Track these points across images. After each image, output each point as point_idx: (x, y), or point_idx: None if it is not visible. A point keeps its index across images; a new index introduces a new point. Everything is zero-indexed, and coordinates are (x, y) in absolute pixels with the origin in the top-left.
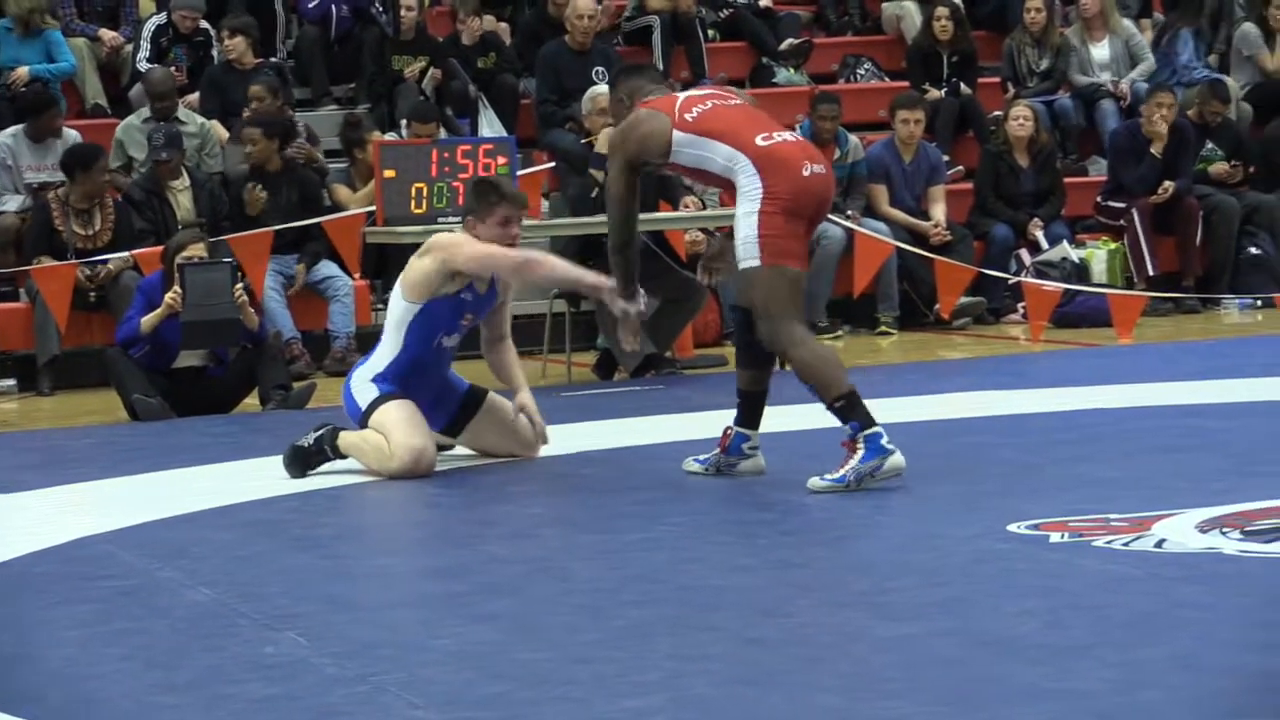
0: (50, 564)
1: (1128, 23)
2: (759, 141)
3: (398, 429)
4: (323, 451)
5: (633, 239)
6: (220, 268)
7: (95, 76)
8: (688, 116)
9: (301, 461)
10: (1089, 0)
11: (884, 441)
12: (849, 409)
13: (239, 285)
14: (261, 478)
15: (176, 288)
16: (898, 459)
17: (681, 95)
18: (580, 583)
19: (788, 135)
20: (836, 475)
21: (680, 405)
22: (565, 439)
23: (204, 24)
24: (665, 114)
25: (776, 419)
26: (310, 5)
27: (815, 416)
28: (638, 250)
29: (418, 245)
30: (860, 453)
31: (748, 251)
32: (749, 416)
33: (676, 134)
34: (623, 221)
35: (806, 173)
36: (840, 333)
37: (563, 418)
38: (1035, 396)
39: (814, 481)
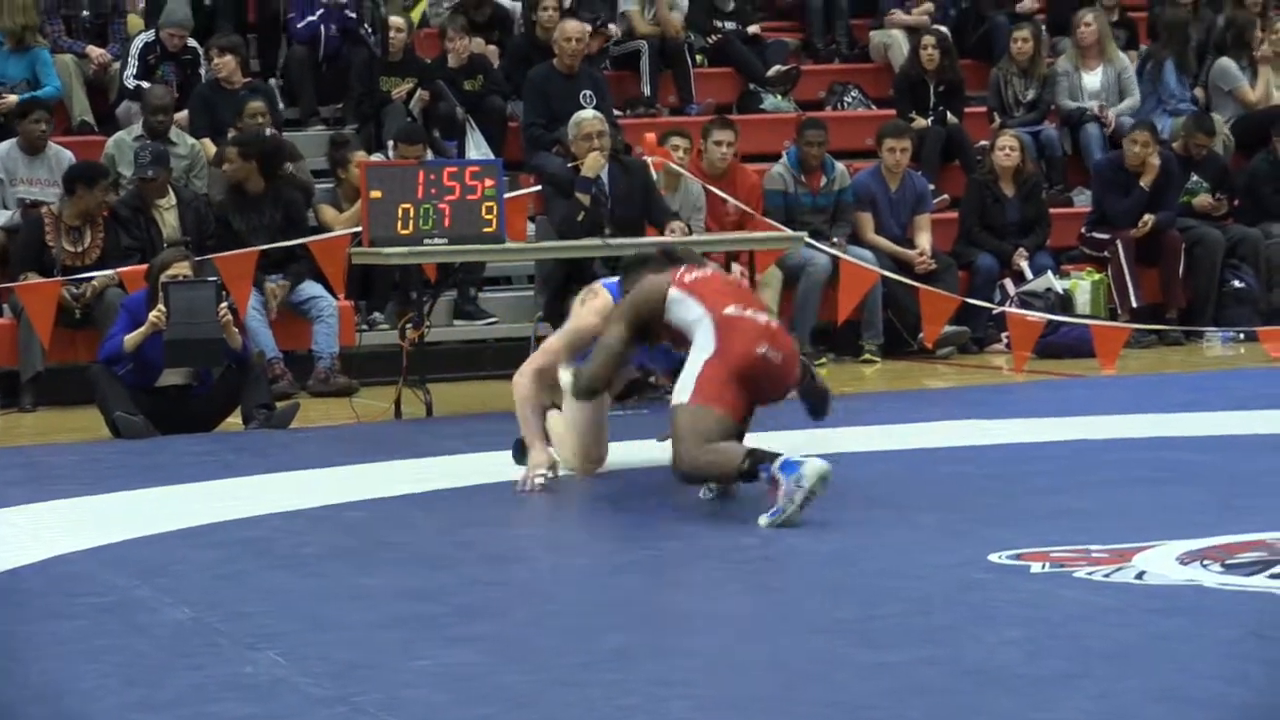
0: (31, 580)
1: (1124, 57)
2: (728, 310)
3: (576, 433)
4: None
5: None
6: (205, 286)
7: (82, 93)
8: (686, 279)
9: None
10: (1088, 29)
11: (793, 458)
12: (754, 465)
13: (223, 304)
14: (243, 497)
15: (161, 306)
16: (813, 464)
17: (684, 267)
18: (562, 606)
19: (760, 316)
20: (774, 509)
21: (663, 430)
22: None
23: (192, 42)
24: (667, 275)
25: (765, 444)
26: (300, 25)
27: (806, 442)
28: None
29: (404, 267)
30: (782, 483)
31: (681, 392)
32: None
33: (672, 290)
34: (603, 366)
35: (760, 350)
36: (824, 360)
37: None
38: (1018, 427)
39: (761, 519)
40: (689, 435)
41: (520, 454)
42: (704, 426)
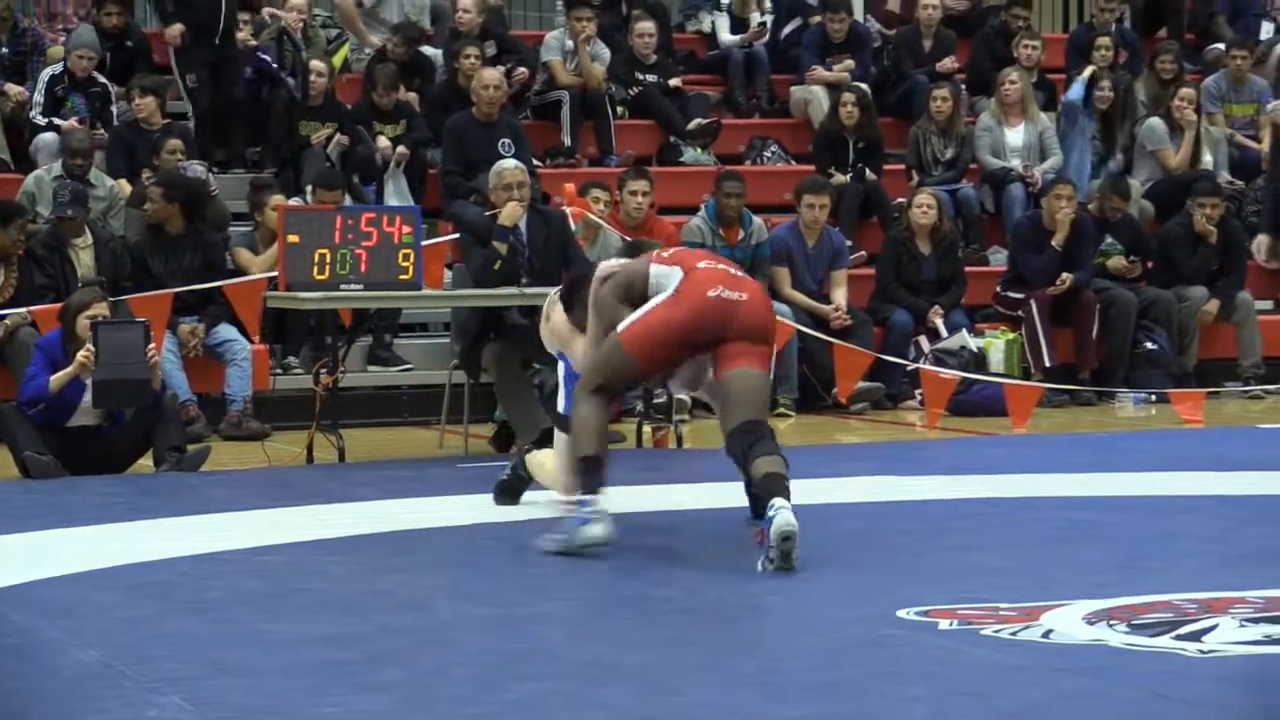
0: None
1: (1045, 117)
2: (699, 265)
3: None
4: (520, 477)
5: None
6: (134, 327)
7: None
8: (665, 254)
9: (508, 491)
10: (1012, 86)
11: (586, 510)
12: (581, 472)
13: (151, 345)
14: (152, 540)
15: (89, 346)
16: (596, 529)
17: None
18: (471, 655)
19: (730, 269)
20: (555, 536)
21: None
22: (461, 511)
23: (100, 77)
24: (645, 258)
25: (683, 497)
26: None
27: (725, 496)
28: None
29: (319, 312)
30: (572, 515)
31: (626, 320)
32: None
33: (652, 267)
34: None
35: (712, 294)
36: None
37: (458, 489)
38: (930, 483)
39: (543, 542)
40: (599, 371)
41: (500, 495)
42: (616, 368)
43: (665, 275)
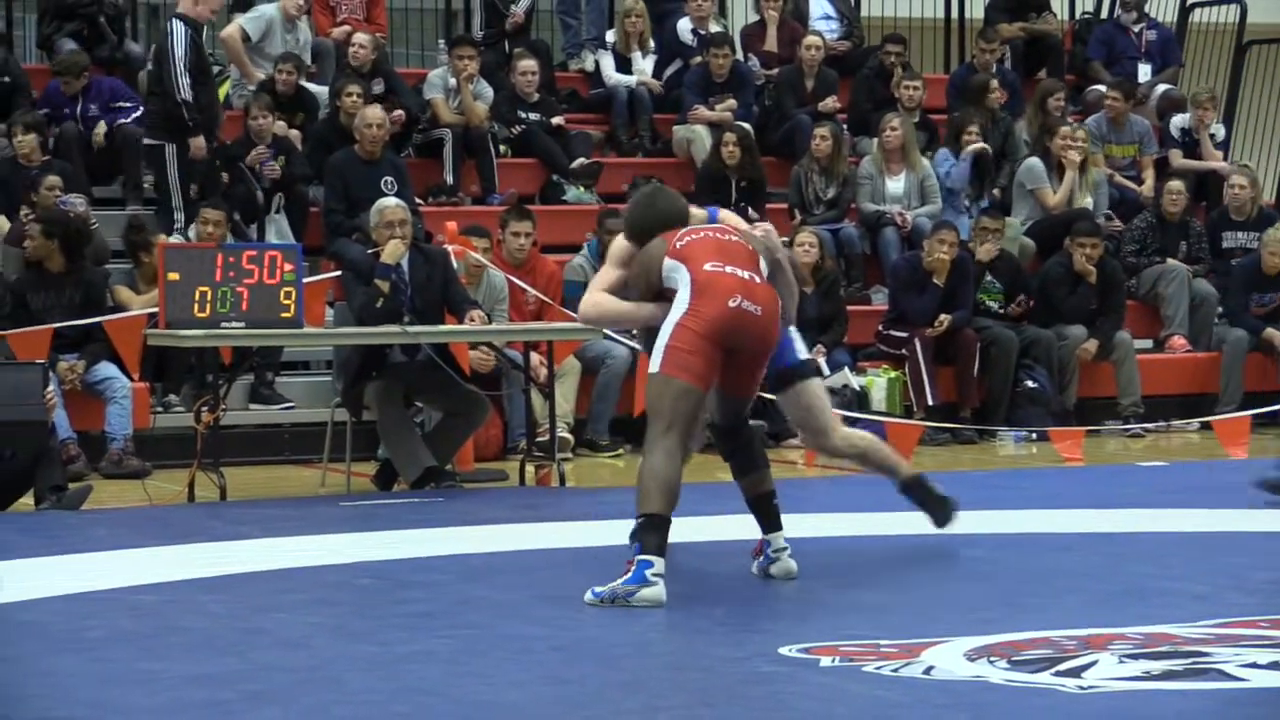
0: None
1: (926, 163)
2: (706, 267)
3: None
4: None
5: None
6: (31, 369)
7: None
8: (678, 244)
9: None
10: (893, 134)
11: (649, 572)
12: (643, 529)
13: (50, 388)
14: (32, 578)
15: None
16: (654, 591)
17: (685, 230)
18: (351, 693)
19: (740, 271)
20: (601, 590)
21: (459, 519)
22: (341, 549)
23: None
24: (664, 241)
25: (565, 535)
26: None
27: (607, 535)
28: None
29: (200, 350)
30: (627, 575)
31: (654, 358)
32: (766, 520)
33: (666, 260)
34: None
35: (732, 304)
36: (621, 451)
37: (340, 527)
38: (810, 521)
39: (586, 595)
40: (658, 412)
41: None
42: (671, 400)
43: (675, 271)
